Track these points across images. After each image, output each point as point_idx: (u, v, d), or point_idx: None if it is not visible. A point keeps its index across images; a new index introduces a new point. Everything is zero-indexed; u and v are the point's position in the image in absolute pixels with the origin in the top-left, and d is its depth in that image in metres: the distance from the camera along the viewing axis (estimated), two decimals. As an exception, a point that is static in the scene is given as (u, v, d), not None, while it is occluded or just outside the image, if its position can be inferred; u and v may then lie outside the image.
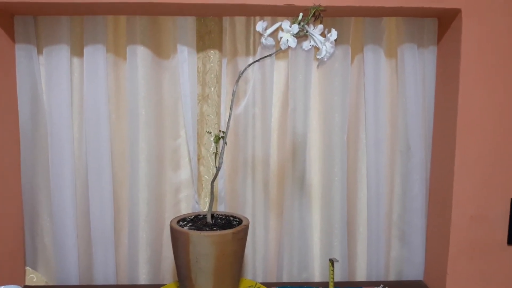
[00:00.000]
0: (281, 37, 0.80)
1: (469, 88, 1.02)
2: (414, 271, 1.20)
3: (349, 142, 1.18)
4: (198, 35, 1.16)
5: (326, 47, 0.79)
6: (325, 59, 0.80)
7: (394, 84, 1.18)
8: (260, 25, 0.82)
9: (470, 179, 1.04)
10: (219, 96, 1.18)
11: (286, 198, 1.17)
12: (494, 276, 1.06)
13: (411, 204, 1.18)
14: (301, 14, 0.82)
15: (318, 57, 0.82)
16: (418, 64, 1.14)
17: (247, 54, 1.15)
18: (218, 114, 1.19)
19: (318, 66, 1.14)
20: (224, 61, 1.15)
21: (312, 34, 0.81)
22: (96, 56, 1.10)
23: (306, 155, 1.16)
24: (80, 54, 1.12)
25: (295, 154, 1.16)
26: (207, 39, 1.17)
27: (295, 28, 0.79)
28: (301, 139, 1.15)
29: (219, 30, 1.16)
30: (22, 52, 1.10)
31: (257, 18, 1.13)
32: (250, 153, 1.16)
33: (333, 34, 0.80)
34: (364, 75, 1.15)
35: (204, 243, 0.88)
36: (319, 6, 0.81)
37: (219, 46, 1.17)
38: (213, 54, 1.17)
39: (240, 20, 1.14)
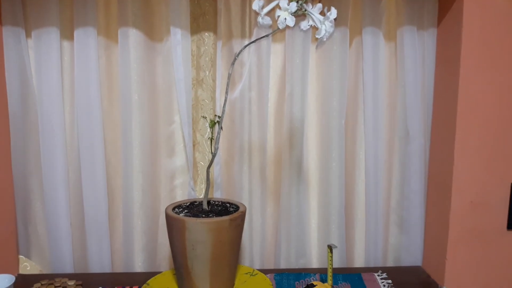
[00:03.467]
0: (278, 16, 0.76)
1: (470, 72, 1.00)
2: (412, 257, 1.19)
3: (347, 127, 1.16)
4: (192, 17, 1.12)
5: (326, 26, 0.76)
6: (325, 39, 0.78)
7: (393, 67, 1.16)
8: (256, 4, 0.79)
9: (470, 164, 1.02)
10: (214, 80, 1.15)
11: (283, 184, 1.15)
12: (494, 261, 1.05)
13: (409, 190, 1.16)
14: (299, -8, 0.79)
15: (317, 36, 0.79)
16: (417, 47, 1.12)
17: (243, 36, 1.12)
18: (213, 98, 1.16)
19: (317, 46, 1.11)
20: (219, 44, 1.12)
21: (310, 12, 0.78)
22: (86, 39, 1.07)
23: (303, 140, 1.14)
24: (70, 37, 1.09)
25: (292, 139, 1.14)
26: (201, 21, 1.13)
27: (293, 6, 0.75)
28: (298, 124, 1.13)
29: (214, 11, 1.13)
30: (9, 35, 1.06)
31: (253, -1, 1.10)
32: (247, 139, 1.14)
33: (333, 13, 0.77)
34: (362, 58, 1.12)
35: (200, 230, 0.86)
36: (318, -16, 0.78)
37: (213, 28, 1.13)
38: (207, 36, 1.14)
39: (235, 1, 1.10)
